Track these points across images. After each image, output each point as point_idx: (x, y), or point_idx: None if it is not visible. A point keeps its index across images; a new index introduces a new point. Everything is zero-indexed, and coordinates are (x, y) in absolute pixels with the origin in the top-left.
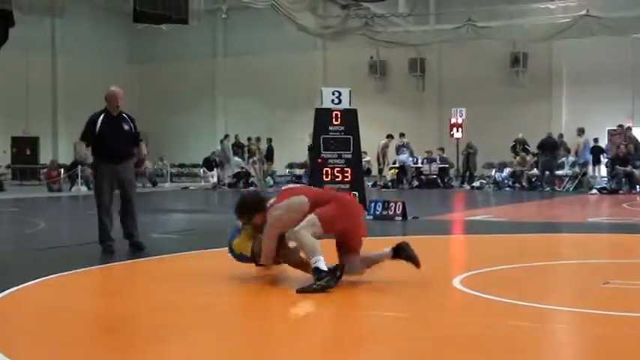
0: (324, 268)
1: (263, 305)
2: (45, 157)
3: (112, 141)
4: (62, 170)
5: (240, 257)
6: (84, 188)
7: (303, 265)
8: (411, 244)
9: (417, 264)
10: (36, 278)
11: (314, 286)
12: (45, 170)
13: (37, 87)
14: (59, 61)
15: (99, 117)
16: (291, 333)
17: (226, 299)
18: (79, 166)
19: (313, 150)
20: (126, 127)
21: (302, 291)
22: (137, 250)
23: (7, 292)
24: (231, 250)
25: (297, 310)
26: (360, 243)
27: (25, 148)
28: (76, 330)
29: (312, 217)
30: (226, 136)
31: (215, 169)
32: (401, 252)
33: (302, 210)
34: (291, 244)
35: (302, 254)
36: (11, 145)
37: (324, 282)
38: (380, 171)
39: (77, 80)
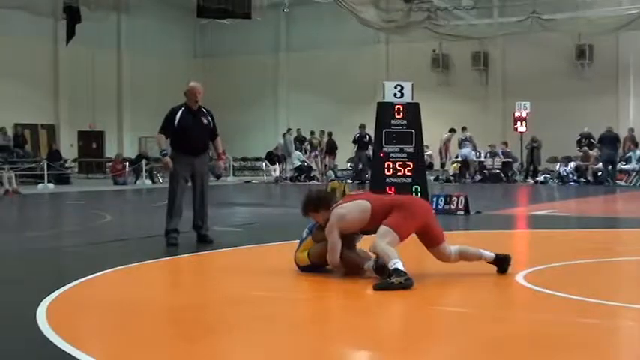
0: (402, 268)
1: (325, 299)
2: (110, 151)
3: (190, 134)
4: (127, 164)
5: (302, 269)
6: (148, 182)
7: (362, 271)
8: (476, 240)
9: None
10: (102, 270)
11: (392, 281)
12: (110, 164)
13: (103, 82)
14: (124, 57)
15: (178, 111)
16: (354, 328)
17: (287, 293)
18: (144, 160)
19: (374, 144)
20: (204, 121)
21: (379, 287)
22: (205, 242)
23: (75, 282)
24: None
25: (360, 305)
26: (440, 233)
27: (91, 143)
28: (140, 321)
29: (383, 228)
30: (288, 130)
31: (277, 163)
32: (501, 263)
33: (365, 213)
34: (366, 266)
35: (365, 265)
36: (78, 139)
37: (403, 280)
38: (442, 165)
39: (142, 75)
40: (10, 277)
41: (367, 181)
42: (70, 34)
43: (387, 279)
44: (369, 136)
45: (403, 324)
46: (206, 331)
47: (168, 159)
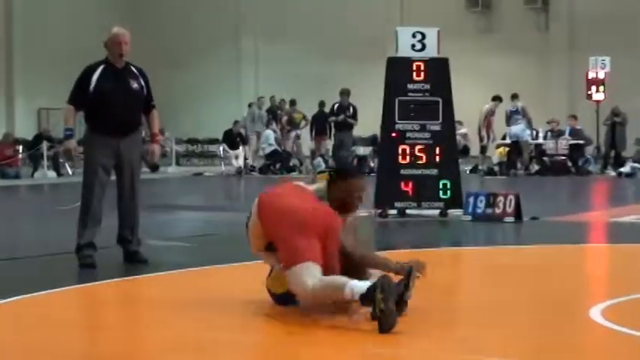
0: (364, 287)
1: (312, 345)
2: None
3: (112, 104)
4: (20, 148)
5: (277, 299)
6: (52, 173)
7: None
8: (530, 258)
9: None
10: None
11: (376, 313)
12: None
13: None
14: None
15: (96, 70)
16: None
17: (253, 336)
18: (45, 142)
19: (383, 118)
20: (134, 84)
21: (383, 329)
22: (135, 262)
23: None
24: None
25: (362, 353)
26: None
27: None
28: None
29: (303, 265)
30: (259, 99)
31: (241, 147)
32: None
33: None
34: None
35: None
36: None
37: (380, 296)
38: (482, 149)
39: (40, 22)
40: None
41: None
42: None
43: (375, 312)
44: (354, 108)
45: None
46: None
47: (71, 142)
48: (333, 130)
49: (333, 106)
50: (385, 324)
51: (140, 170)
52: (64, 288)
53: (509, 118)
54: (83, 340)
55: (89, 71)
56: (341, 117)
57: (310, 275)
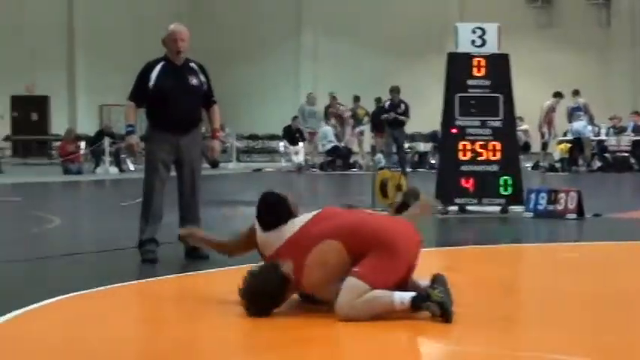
0: (408, 297)
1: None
2: (58, 126)
3: (172, 101)
4: (83, 144)
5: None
6: (114, 169)
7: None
8: (591, 255)
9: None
10: (46, 299)
11: (430, 303)
12: (58, 144)
13: (47, 25)
14: None
15: (155, 67)
16: None
17: (323, 330)
18: (107, 139)
19: (443, 115)
20: (193, 81)
21: (446, 318)
22: (195, 258)
23: (5, 317)
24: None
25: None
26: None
27: (29, 113)
28: None
29: (351, 281)
30: (308, 95)
31: (301, 143)
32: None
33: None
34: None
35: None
36: (11, 108)
37: (439, 297)
38: (544, 146)
39: (102, 19)
40: None
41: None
42: None
43: (436, 305)
44: (406, 105)
45: None
46: None
47: (133, 137)
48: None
49: (384, 103)
50: (448, 309)
51: (201, 167)
52: (125, 283)
53: (571, 115)
54: (142, 335)
55: (148, 68)
56: (392, 115)
57: (356, 294)
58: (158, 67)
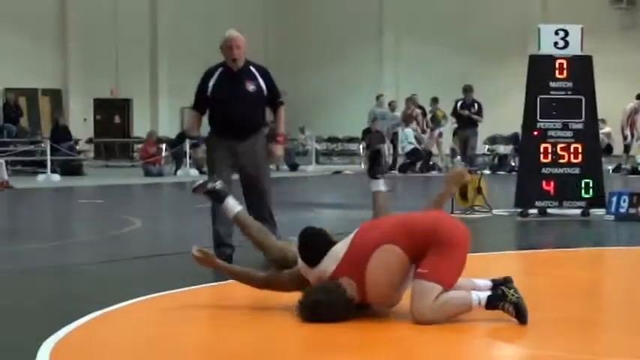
0: (484, 296)
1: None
2: (140, 128)
3: (228, 107)
4: (164, 146)
5: None
6: (194, 172)
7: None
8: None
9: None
10: (127, 299)
11: (505, 303)
12: (140, 146)
13: (130, 31)
14: None
15: (214, 73)
16: None
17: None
18: (188, 141)
19: (525, 117)
20: (250, 87)
21: (523, 315)
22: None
23: (87, 317)
24: None
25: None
26: None
27: (112, 115)
28: None
29: (422, 284)
30: (378, 97)
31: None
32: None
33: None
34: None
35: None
36: (94, 110)
37: (512, 294)
38: (626, 148)
39: (185, 21)
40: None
41: (480, 172)
42: None
43: (506, 303)
44: (479, 105)
45: None
46: None
47: (200, 151)
48: (456, 127)
49: (457, 103)
50: (524, 310)
51: (267, 171)
52: (205, 285)
53: None
54: (221, 337)
55: (207, 76)
56: (466, 113)
57: (432, 297)
58: (216, 74)
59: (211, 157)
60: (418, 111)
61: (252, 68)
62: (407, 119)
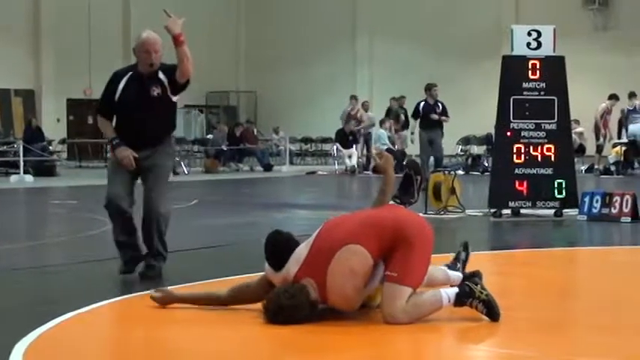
0: (453, 293)
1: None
2: None
3: (135, 114)
4: None
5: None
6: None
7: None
8: (635, 259)
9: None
10: (101, 300)
11: (489, 301)
12: None
13: (103, 31)
14: None
15: (123, 77)
16: None
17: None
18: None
19: (498, 117)
20: (155, 92)
21: (495, 313)
22: (143, 277)
23: (62, 317)
24: None
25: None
26: None
27: (85, 116)
28: None
29: (392, 287)
30: (351, 98)
31: (354, 146)
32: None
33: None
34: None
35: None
36: (67, 111)
37: (478, 287)
38: (599, 148)
39: (158, 22)
40: None
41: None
42: None
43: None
44: (443, 105)
45: None
46: None
47: (123, 150)
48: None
49: (419, 105)
50: (495, 308)
51: (164, 188)
52: (176, 286)
53: (627, 117)
54: (182, 337)
55: (115, 80)
56: (435, 117)
57: (404, 299)
58: (125, 78)
59: (113, 164)
60: (363, 111)
61: (160, 73)
62: (348, 119)
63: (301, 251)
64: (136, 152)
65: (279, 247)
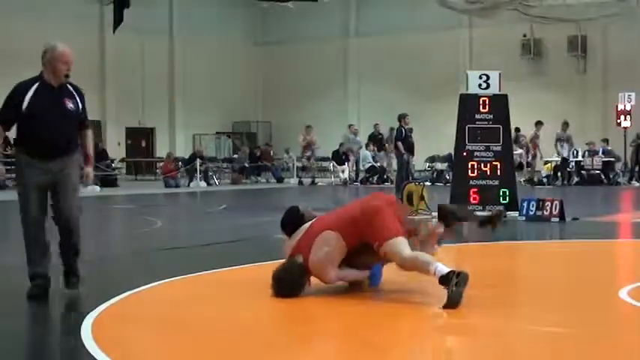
0: (445, 270)
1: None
2: (161, 150)
3: (48, 124)
4: (180, 164)
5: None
6: (203, 184)
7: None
8: (573, 250)
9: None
10: (152, 282)
11: (449, 293)
12: (161, 164)
13: (154, 74)
14: (177, 46)
15: (30, 87)
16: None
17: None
18: (198, 160)
19: (457, 141)
20: (69, 104)
21: (447, 305)
22: (68, 284)
23: (122, 295)
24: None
25: (442, 327)
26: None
27: (140, 140)
28: (198, 342)
29: (397, 239)
30: (349, 127)
31: (346, 164)
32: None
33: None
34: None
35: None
36: (126, 136)
37: (454, 285)
38: (528, 165)
39: (196, 66)
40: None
41: (422, 184)
42: (118, 20)
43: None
44: (405, 131)
45: (494, 348)
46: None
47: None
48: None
49: (403, 132)
50: (451, 301)
51: (77, 194)
52: (214, 270)
53: (558, 141)
54: (228, 311)
55: (21, 90)
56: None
57: (405, 246)
58: (33, 88)
59: (25, 178)
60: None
61: (69, 85)
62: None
63: (302, 229)
64: (48, 162)
65: (290, 219)
